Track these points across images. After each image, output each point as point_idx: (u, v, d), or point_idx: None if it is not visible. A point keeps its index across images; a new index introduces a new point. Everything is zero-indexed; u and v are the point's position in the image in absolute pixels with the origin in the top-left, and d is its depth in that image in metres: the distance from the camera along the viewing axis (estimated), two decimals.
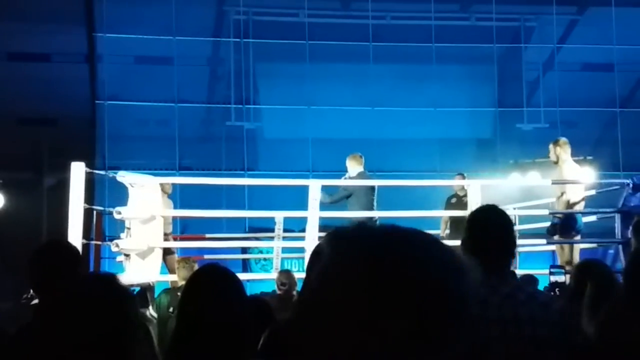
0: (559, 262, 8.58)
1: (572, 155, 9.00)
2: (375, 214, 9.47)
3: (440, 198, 11.04)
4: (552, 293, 5.39)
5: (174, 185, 10.05)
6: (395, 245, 1.00)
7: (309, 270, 1.06)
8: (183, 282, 6.32)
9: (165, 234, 9.19)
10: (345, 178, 9.10)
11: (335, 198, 8.79)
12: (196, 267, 6.71)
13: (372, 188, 8.95)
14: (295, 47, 17.39)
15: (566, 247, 8.52)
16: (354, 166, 9.06)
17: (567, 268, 8.34)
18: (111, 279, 2.01)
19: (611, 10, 17.54)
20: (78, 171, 7.36)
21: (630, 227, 5.80)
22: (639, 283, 2.75)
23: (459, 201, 10.08)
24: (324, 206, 8.59)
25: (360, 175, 9.01)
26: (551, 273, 5.63)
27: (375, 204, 8.95)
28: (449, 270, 1.01)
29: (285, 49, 17.52)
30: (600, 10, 17.94)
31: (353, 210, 8.74)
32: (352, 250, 0.99)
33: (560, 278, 5.38)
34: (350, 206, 8.76)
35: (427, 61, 17.65)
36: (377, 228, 1.06)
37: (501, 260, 2.72)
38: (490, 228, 2.74)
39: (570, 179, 8.53)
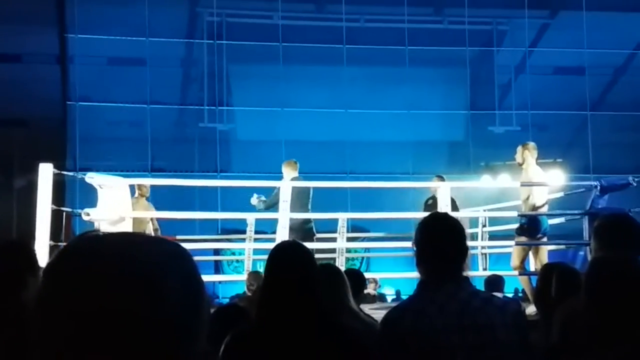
0: (511, 264, 8.61)
1: (542, 157, 9.12)
2: (345, 215, 9.50)
3: (413, 200, 11.09)
4: None
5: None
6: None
7: None
8: None
9: None
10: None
11: (268, 203, 8.79)
12: None
13: (307, 192, 8.96)
14: (269, 49, 17.39)
15: (532, 249, 8.58)
16: (288, 172, 9.08)
17: (520, 270, 8.44)
18: None
19: (582, 15, 17.73)
20: (46, 172, 7.30)
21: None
22: (598, 293, 2.79)
23: (434, 203, 10.13)
24: (294, 208, 8.60)
25: (294, 181, 9.03)
26: None
27: (309, 207, 8.97)
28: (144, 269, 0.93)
29: (258, 51, 17.51)
30: (571, 14, 18.13)
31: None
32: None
33: None
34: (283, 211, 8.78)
35: (401, 64, 17.72)
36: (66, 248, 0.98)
37: (456, 267, 2.75)
38: (446, 236, 2.77)
39: (536, 181, 8.62)
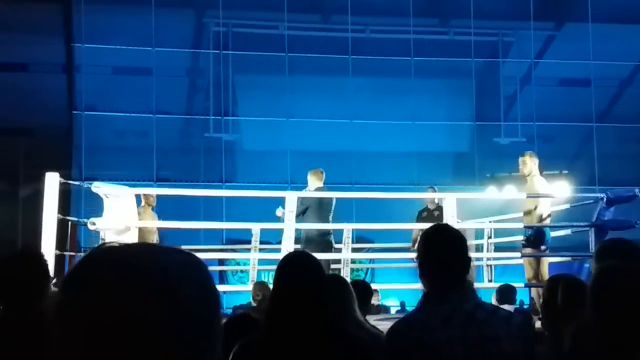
0: (526, 277, 8.60)
1: (548, 169, 9.14)
2: (350, 225, 9.48)
3: (417, 211, 11.10)
4: None
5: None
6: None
7: None
8: None
9: None
10: (305, 191, 9.16)
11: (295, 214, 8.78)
12: None
13: (329, 203, 8.96)
14: (275, 60, 17.41)
15: (535, 260, 8.57)
16: (313, 181, 9.08)
17: (534, 282, 8.42)
18: None
19: (588, 26, 17.73)
20: (52, 181, 7.32)
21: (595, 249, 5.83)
22: (605, 302, 2.78)
23: (429, 215, 10.13)
24: (300, 218, 8.59)
25: (318, 191, 9.02)
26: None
27: (330, 218, 8.95)
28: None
29: (264, 61, 17.54)
30: (577, 26, 18.14)
31: (309, 223, 8.72)
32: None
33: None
34: (306, 219, 8.74)
35: (406, 75, 17.73)
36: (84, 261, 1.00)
37: (459, 278, 2.75)
38: (448, 247, 2.77)
39: (542, 192, 8.61)
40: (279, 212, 8.83)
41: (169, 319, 0.92)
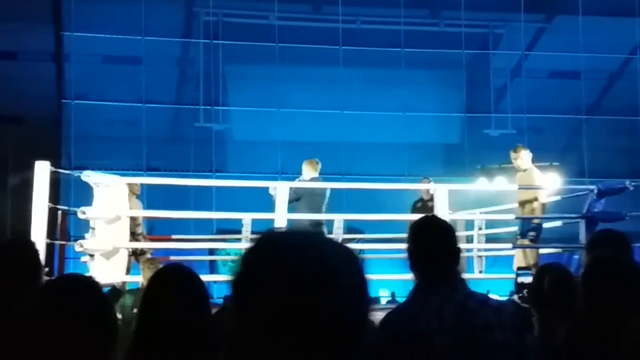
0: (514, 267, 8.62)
1: (538, 161, 9.19)
2: (340, 216, 9.48)
3: (408, 202, 11.10)
4: (520, 295, 5.42)
5: (141, 185, 9.98)
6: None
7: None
8: None
9: (136, 234, 9.12)
10: (299, 180, 9.15)
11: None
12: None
13: (323, 194, 8.95)
14: (265, 50, 17.38)
15: (532, 251, 8.60)
16: (308, 171, 9.07)
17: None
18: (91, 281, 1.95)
19: (578, 19, 17.77)
20: (42, 170, 7.28)
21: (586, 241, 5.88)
22: (598, 292, 2.79)
23: (424, 205, 10.15)
24: (291, 208, 8.59)
25: (312, 181, 9.01)
26: (518, 275, 5.66)
27: (324, 209, 8.95)
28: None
29: (255, 51, 17.50)
30: (567, 18, 18.17)
31: (300, 213, 8.71)
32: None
33: (527, 279, 5.38)
34: (298, 209, 8.73)
35: (397, 66, 17.73)
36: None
37: (450, 269, 2.75)
38: (436, 239, 2.77)
39: (539, 184, 8.66)
40: (272, 190, 8.79)
41: (327, 307, 1.01)
